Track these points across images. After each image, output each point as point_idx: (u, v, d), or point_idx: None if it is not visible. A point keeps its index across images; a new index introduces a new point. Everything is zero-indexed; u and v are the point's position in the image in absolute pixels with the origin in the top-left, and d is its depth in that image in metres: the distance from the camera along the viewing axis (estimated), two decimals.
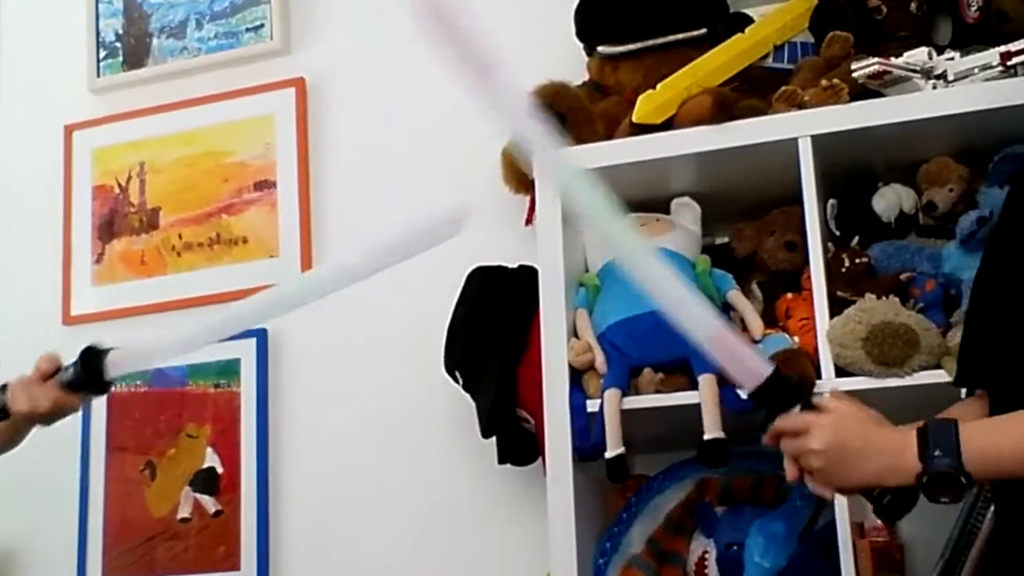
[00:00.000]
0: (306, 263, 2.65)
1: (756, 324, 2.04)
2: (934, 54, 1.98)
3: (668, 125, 2.09)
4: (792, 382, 1.38)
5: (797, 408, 1.36)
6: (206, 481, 2.60)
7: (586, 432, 1.98)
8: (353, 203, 2.68)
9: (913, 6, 2.15)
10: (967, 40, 2.06)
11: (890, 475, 1.30)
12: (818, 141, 1.96)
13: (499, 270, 2.27)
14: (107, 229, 2.83)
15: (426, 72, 2.44)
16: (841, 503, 1.81)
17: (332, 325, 2.61)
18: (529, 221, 2.32)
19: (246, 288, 2.55)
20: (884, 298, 1.90)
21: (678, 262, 2.09)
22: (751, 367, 1.35)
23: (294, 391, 2.61)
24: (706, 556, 2.03)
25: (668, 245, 2.10)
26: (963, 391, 1.57)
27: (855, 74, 1.99)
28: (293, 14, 2.78)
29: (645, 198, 2.15)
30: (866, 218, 2.06)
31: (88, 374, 1.69)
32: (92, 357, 1.69)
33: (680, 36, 2.22)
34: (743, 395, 1.38)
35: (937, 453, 1.28)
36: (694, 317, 1.36)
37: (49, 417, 1.73)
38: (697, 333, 1.36)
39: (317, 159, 2.72)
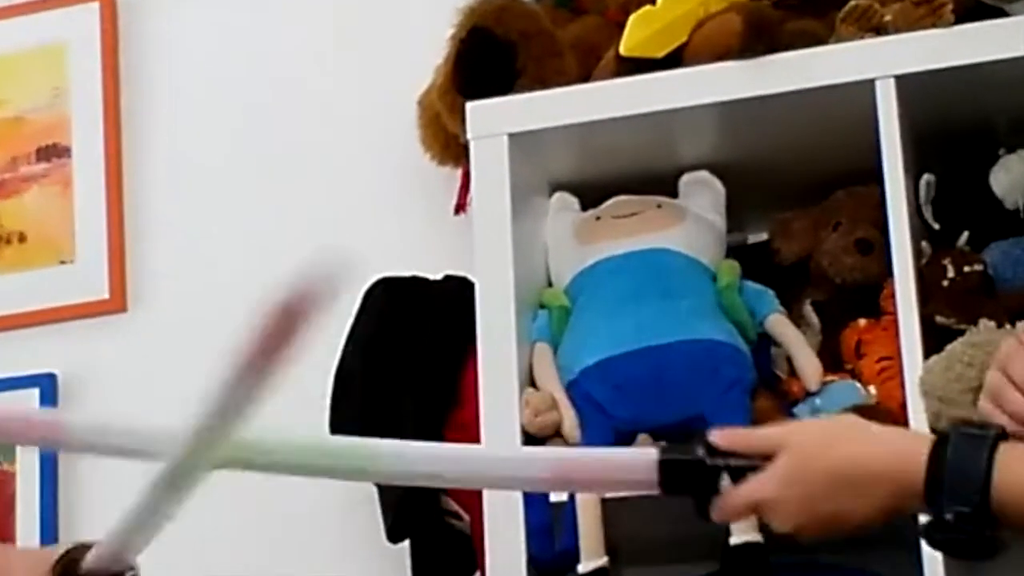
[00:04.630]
0: (116, 272, 2.61)
1: (811, 366, 2.05)
2: None
3: (675, 61, 2.10)
4: (690, 459, 1.43)
5: (725, 480, 1.41)
6: None
7: (548, 534, 1.99)
8: (188, 179, 2.64)
9: None
10: None
11: (899, 506, 1.37)
12: (906, 85, 1.97)
13: (414, 283, 2.29)
14: None
15: None
16: None
17: (158, 362, 2.58)
18: (461, 208, 2.32)
19: (25, 311, 2.66)
20: (1007, 327, 1.92)
21: (689, 271, 2.09)
22: (636, 464, 1.45)
23: (97, 469, 2.53)
24: None
25: (673, 245, 2.10)
26: None
27: None
28: None
29: (640, 172, 2.17)
30: (980, 204, 2.08)
31: None
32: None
33: None
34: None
35: (949, 500, 1.33)
36: (513, 467, 1.52)
37: None
38: (534, 486, 1.63)
39: (133, 113, 2.69)
